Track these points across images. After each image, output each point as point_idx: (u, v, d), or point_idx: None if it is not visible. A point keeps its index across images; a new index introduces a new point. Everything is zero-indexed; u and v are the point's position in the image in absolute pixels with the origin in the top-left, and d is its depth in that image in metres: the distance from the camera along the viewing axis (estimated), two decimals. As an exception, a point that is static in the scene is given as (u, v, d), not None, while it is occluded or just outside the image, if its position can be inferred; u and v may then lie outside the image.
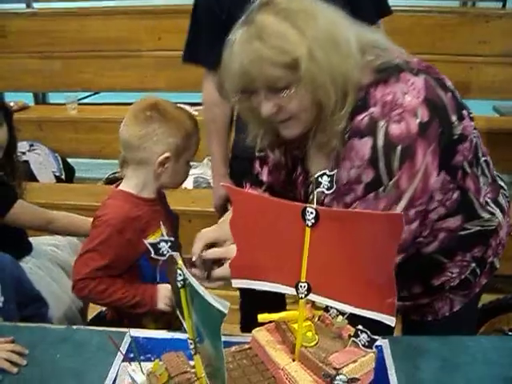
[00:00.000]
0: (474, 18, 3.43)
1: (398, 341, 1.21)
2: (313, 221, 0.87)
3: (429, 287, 1.30)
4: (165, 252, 0.80)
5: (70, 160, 3.80)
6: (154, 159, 1.46)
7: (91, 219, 1.52)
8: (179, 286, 0.81)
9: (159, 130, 1.46)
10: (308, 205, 0.87)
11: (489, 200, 1.27)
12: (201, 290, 0.73)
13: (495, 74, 3.46)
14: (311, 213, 0.87)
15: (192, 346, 0.88)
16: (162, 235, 0.80)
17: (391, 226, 0.83)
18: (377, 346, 0.99)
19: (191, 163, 1.61)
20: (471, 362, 1.18)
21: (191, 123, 1.52)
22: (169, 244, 0.80)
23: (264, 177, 1.44)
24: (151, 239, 0.80)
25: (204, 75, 1.89)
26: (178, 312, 0.97)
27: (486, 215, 1.26)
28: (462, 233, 1.24)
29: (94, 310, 1.91)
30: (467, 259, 1.26)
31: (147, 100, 1.51)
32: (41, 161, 3.39)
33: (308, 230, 0.88)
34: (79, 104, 3.68)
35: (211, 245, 1.30)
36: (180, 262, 0.80)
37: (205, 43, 1.75)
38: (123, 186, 1.53)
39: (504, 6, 3.74)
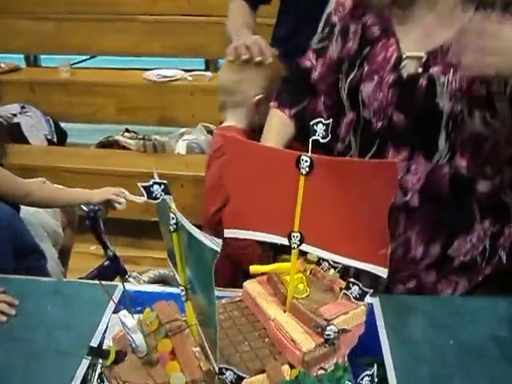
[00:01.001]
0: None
1: (389, 299, 1.21)
2: (307, 169, 0.87)
3: (445, 254, 1.28)
4: (158, 195, 0.80)
5: (62, 125, 3.77)
6: (250, 101, 1.63)
7: (68, 189, 1.55)
8: (171, 229, 0.81)
9: (253, 74, 1.62)
10: (303, 153, 0.87)
11: None
12: (193, 230, 0.73)
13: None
14: (306, 161, 0.86)
15: (183, 293, 0.87)
16: (154, 178, 0.80)
17: (386, 175, 0.82)
18: (368, 304, 1.00)
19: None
20: (460, 321, 1.19)
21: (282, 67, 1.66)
22: (162, 187, 0.79)
23: (316, 73, 1.34)
24: (143, 182, 0.80)
25: None
26: (169, 261, 0.97)
27: None
28: (501, 196, 1.24)
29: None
30: (488, 232, 1.25)
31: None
32: (32, 123, 3.34)
33: (302, 178, 0.87)
34: (72, 68, 3.64)
35: None
36: (173, 205, 0.79)
37: None
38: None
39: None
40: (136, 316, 0.96)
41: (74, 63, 3.88)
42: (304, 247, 0.94)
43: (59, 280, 1.32)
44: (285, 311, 0.98)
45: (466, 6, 1.11)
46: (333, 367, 0.87)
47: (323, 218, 0.91)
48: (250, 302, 1.03)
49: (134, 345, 0.86)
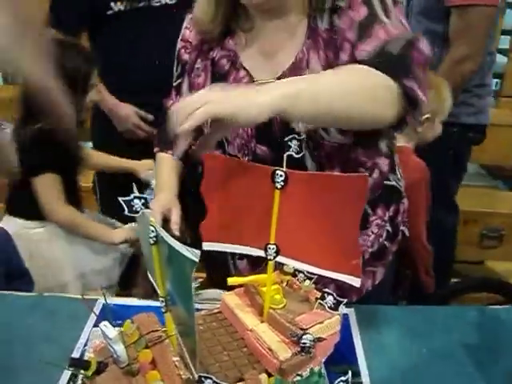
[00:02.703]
0: None
1: (364, 309, 1.25)
2: (282, 183, 0.90)
3: None
4: (138, 209, 0.82)
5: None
6: None
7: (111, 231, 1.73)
8: (151, 242, 0.83)
9: None
10: (277, 168, 0.90)
11: (397, 161, 1.31)
12: (173, 242, 0.76)
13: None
14: (280, 175, 0.90)
15: (163, 304, 0.90)
16: (134, 192, 0.82)
17: (356, 188, 0.86)
18: (343, 315, 1.03)
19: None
20: (432, 330, 1.23)
21: (445, 89, 1.93)
22: (142, 201, 0.82)
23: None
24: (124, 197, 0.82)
25: None
26: (149, 274, 0.99)
27: (398, 174, 1.30)
28: (386, 182, 1.26)
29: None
30: (385, 218, 1.27)
31: None
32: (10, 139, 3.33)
33: (277, 192, 0.91)
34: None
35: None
36: (152, 218, 0.82)
37: None
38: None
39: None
40: (117, 329, 0.98)
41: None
42: (280, 259, 0.97)
43: (40, 294, 1.33)
44: (262, 321, 1.01)
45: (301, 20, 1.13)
46: (308, 373, 0.89)
47: (298, 231, 0.94)
48: (228, 313, 1.06)
49: (115, 355, 0.88)
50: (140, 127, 2.15)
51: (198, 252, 0.72)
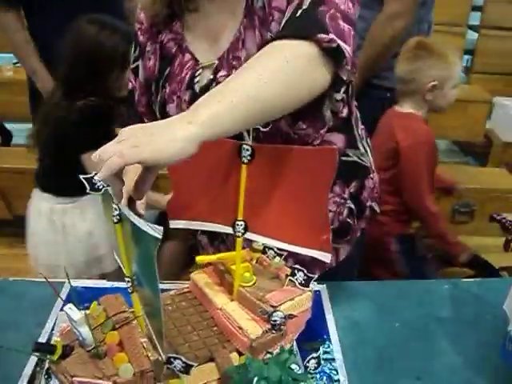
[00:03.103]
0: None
1: (336, 285, 1.24)
2: (249, 157, 0.88)
3: None
4: (100, 187, 0.79)
5: (7, 125, 3.69)
6: (423, 88, 2.05)
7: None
8: (115, 221, 0.81)
9: (425, 64, 2.03)
10: (244, 142, 0.88)
11: (363, 136, 1.29)
12: (136, 220, 0.73)
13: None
14: (247, 150, 0.87)
15: (130, 284, 0.87)
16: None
17: (325, 160, 0.84)
18: (315, 291, 1.02)
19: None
20: (405, 304, 1.23)
21: (452, 55, 2.07)
22: (103, 179, 0.79)
23: (136, 94, 1.31)
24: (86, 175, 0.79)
25: None
26: (114, 253, 0.96)
27: (361, 149, 1.27)
28: (343, 158, 1.23)
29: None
30: (345, 196, 1.25)
31: (413, 40, 2.08)
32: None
33: (244, 167, 0.88)
34: (15, 66, 3.55)
35: None
36: (114, 196, 0.80)
37: None
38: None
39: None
40: (82, 311, 0.96)
41: (17, 62, 3.79)
42: (249, 235, 0.96)
43: (5, 279, 1.30)
44: (232, 300, 0.99)
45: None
46: (278, 350, 0.88)
47: (267, 206, 0.92)
48: (198, 292, 1.04)
49: (80, 338, 0.86)
50: None
51: (160, 228, 0.69)
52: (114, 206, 0.80)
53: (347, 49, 0.92)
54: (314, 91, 0.93)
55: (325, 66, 0.92)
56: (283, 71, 0.87)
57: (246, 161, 0.88)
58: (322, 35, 0.89)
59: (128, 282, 0.87)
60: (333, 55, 0.91)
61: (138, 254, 0.81)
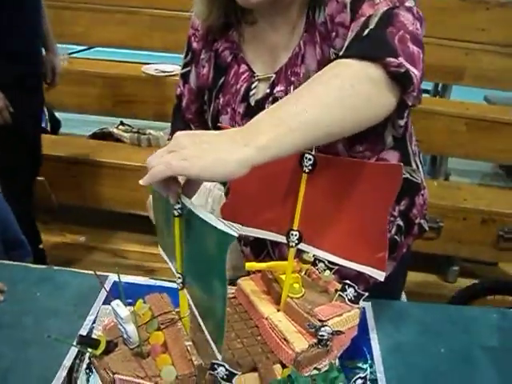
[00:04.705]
0: (474, 4, 3.41)
1: (380, 304, 1.21)
2: (310, 167, 0.86)
3: None
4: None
5: (57, 114, 3.75)
6: None
7: None
8: (176, 214, 0.79)
9: None
10: (307, 151, 0.86)
11: (416, 151, 1.25)
12: (205, 215, 0.72)
13: (491, 62, 3.46)
14: (309, 159, 0.86)
15: (180, 281, 0.86)
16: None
17: (389, 177, 0.82)
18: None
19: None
20: (451, 330, 1.19)
21: None
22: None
23: (184, 101, 1.30)
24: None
25: None
26: (160, 249, 0.95)
27: (413, 165, 1.23)
28: None
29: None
30: (394, 213, 1.22)
31: None
32: (27, 110, 3.31)
33: (304, 176, 0.87)
34: (70, 57, 3.61)
35: None
36: (179, 189, 0.78)
37: None
38: None
39: (505, -6, 3.74)
40: (129, 308, 0.95)
41: (72, 53, 3.85)
42: (302, 246, 0.94)
43: (49, 267, 1.30)
44: (278, 310, 0.97)
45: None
46: (327, 368, 0.86)
47: (323, 218, 0.90)
48: (243, 299, 1.02)
49: (125, 335, 0.85)
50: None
51: (238, 227, 0.67)
52: (177, 199, 0.78)
53: (416, 73, 0.87)
54: (377, 117, 0.89)
55: (391, 92, 0.87)
56: (347, 95, 0.83)
57: (307, 170, 0.86)
58: (391, 59, 0.85)
59: (179, 278, 0.86)
60: (400, 80, 0.87)
61: (197, 251, 0.79)
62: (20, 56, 2.26)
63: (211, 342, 0.82)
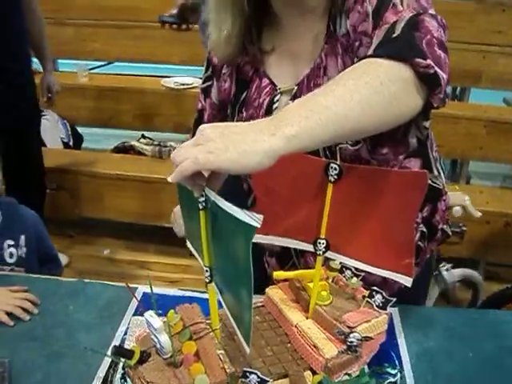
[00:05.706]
0: (490, 7, 3.40)
1: (407, 310, 1.22)
2: (336, 177, 0.87)
3: None
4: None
5: (79, 129, 3.80)
6: None
7: None
8: (200, 207, 0.79)
9: None
10: (332, 161, 0.87)
11: (437, 157, 1.24)
12: (229, 207, 0.72)
13: (508, 64, 3.45)
14: (335, 168, 0.87)
15: (208, 274, 0.86)
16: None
17: (415, 185, 0.83)
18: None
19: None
20: (479, 334, 1.19)
21: None
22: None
23: (206, 115, 1.30)
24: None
25: None
26: (188, 243, 0.96)
27: (435, 171, 1.23)
28: None
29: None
30: (418, 220, 1.21)
31: None
32: (49, 126, 3.36)
33: (330, 185, 0.88)
34: (90, 73, 3.66)
35: None
36: (203, 182, 0.78)
37: None
38: None
39: (522, -5, 3.72)
40: (161, 318, 0.97)
41: (92, 68, 3.91)
42: (329, 254, 0.95)
43: (80, 280, 1.33)
44: (307, 317, 0.98)
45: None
46: (358, 373, 0.87)
47: (350, 226, 0.91)
48: (272, 307, 1.04)
49: (158, 345, 0.87)
50: None
51: (259, 216, 0.67)
52: (201, 192, 0.78)
53: (443, 76, 0.89)
54: (404, 117, 0.90)
55: (418, 92, 0.89)
56: (376, 93, 0.84)
57: (332, 179, 0.88)
58: (420, 60, 0.87)
59: (206, 271, 0.86)
60: (428, 81, 0.88)
61: (225, 246, 0.79)
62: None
63: (239, 335, 0.82)
